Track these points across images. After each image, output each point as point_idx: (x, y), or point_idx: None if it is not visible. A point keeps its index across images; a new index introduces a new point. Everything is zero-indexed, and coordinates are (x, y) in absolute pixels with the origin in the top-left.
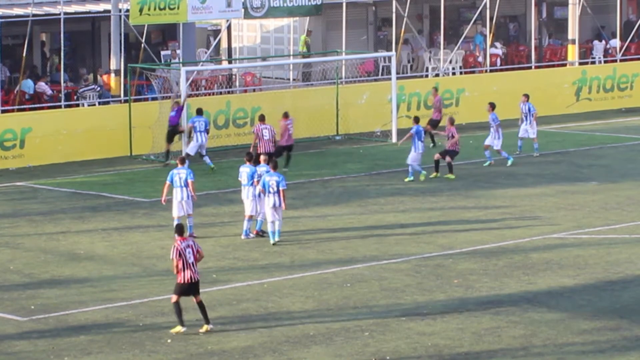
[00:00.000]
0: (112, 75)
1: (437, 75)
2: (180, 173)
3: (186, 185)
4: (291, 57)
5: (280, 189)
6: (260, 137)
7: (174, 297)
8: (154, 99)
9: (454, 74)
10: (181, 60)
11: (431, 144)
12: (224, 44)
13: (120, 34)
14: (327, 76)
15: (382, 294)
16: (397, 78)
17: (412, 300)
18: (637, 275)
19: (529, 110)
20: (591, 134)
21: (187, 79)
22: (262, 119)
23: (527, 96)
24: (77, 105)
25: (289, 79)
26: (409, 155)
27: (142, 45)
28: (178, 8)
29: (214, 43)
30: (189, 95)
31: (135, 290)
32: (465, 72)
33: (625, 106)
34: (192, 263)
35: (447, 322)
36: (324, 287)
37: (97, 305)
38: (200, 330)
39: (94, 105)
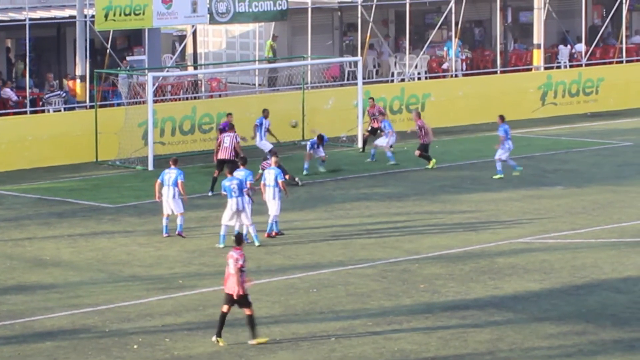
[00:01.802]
0: (78, 81)
1: (402, 80)
2: (170, 173)
3: (175, 185)
4: (257, 62)
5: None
6: (221, 144)
7: (223, 307)
8: (119, 104)
9: (419, 79)
10: (147, 67)
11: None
12: (189, 50)
13: (86, 40)
14: (293, 81)
15: (348, 299)
16: (363, 83)
17: (379, 305)
18: (602, 279)
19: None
20: (557, 139)
21: (153, 85)
22: (231, 127)
23: (502, 117)
24: (43, 111)
25: (254, 85)
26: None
27: (108, 50)
28: (143, 14)
29: (179, 49)
30: (155, 101)
31: (102, 296)
32: (431, 77)
33: (591, 110)
34: (233, 274)
35: (413, 327)
36: (291, 292)
37: (63, 311)
38: (251, 342)
39: (60, 111)
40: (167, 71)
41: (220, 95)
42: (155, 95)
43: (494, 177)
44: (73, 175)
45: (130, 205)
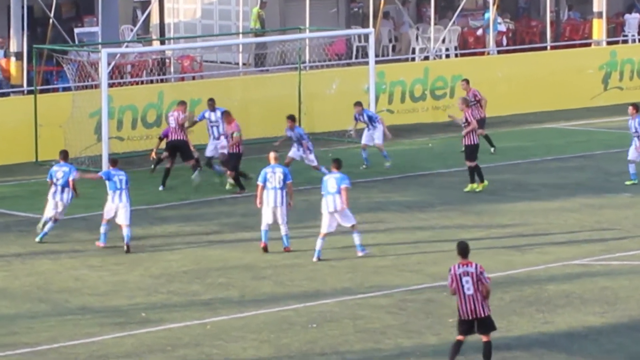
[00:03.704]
0: (12, 59)
1: (426, 58)
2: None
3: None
4: (240, 35)
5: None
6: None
7: (458, 336)
8: (65, 89)
9: (447, 56)
10: (100, 41)
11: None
12: (154, 20)
13: (23, 7)
14: (287, 60)
15: (357, 336)
16: (376, 62)
17: (395, 344)
18: None
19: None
20: (622, 133)
21: (109, 64)
22: (181, 103)
23: (636, 107)
24: None
25: (237, 64)
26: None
27: (51, 21)
28: None
29: (142, 18)
30: (111, 85)
31: (43, 333)
32: (462, 55)
33: None
34: (472, 296)
35: None
36: (284, 328)
37: None
38: None
39: None
40: (127, 47)
41: (194, 78)
42: (111, 78)
43: (627, 183)
44: (6, 179)
45: (78, 217)
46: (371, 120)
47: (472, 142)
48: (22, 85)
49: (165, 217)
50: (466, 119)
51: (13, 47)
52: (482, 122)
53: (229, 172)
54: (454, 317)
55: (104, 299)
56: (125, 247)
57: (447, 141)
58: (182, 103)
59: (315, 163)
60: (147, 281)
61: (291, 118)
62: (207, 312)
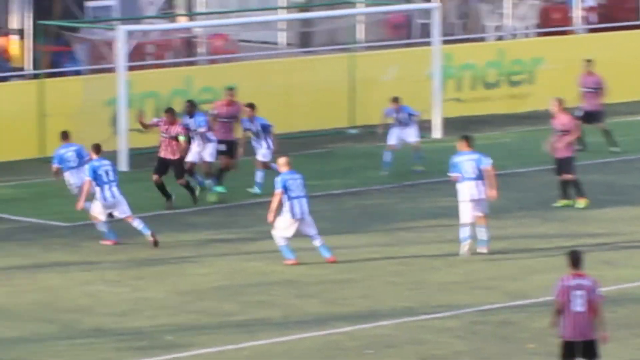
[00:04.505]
0: (15, 37)
1: (500, 38)
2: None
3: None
4: (284, 11)
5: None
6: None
7: None
8: (77, 73)
9: (526, 36)
10: (117, 17)
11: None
12: None
13: None
14: (337, 39)
15: None
16: (443, 42)
17: None
18: None
19: None
20: None
21: (127, 44)
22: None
23: None
24: None
25: (278, 44)
26: None
27: None
28: None
29: None
30: (131, 68)
31: (50, 358)
32: (543, 34)
33: None
34: (583, 314)
35: None
36: (334, 354)
37: None
38: None
39: None
40: (148, 23)
41: (227, 61)
42: (130, 60)
43: None
44: (8, 179)
45: (92, 223)
46: (409, 117)
47: (570, 155)
48: (25, 69)
49: (194, 223)
50: (566, 127)
51: (15, 24)
52: (598, 115)
53: (179, 181)
54: (534, 342)
55: (122, 319)
56: (151, 239)
57: (524, 135)
58: (231, 89)
59: (268, 159)
60: (173, 299)
61: (250, 106)
62: (243, 335)
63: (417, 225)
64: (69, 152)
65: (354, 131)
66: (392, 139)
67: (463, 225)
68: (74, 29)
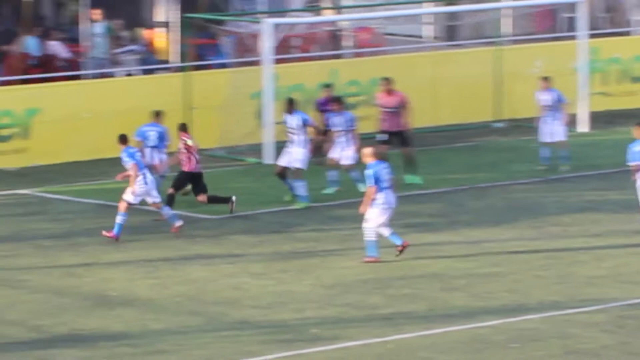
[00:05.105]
0: (161, 30)
1: None
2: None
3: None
4: (429, 4)
5: None
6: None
7: None
8: (222, 66)
9: None
10: (264, 10)
11: None
12: None
13: None
14: (483, 33)
15: (565, 358)
16: (589, 36)
17: None
18: None
19: None
20: None
21: (273, 37)
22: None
23: None
24: (108, 75)
25: (423, 37)
26: None
27: None
28: None
29: None
30: (277, 61)
31: (196, 351)
32: None
33: None
34: None
35: None
36: (479, 348)
37: None
38: None
39: (132, 75)
40: (294, 17)
41: (374, 54)
42: (276, 53)
43: None
44: None
45: (238, 216)
46: (558, 102)
47: None
48: (170, 62)
49: (340, 216)
50: None
51: (160, 17)
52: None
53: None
54: None
55: (268, 312)
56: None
57: None
58: (387, 80)
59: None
60: (319, 292)
61: (337, 101)
62: (388, 328)
63: (564, 219)
64: (152, 132)
65: (499, 124)
66: (545, 135)
67: None
68: (220, 22)
